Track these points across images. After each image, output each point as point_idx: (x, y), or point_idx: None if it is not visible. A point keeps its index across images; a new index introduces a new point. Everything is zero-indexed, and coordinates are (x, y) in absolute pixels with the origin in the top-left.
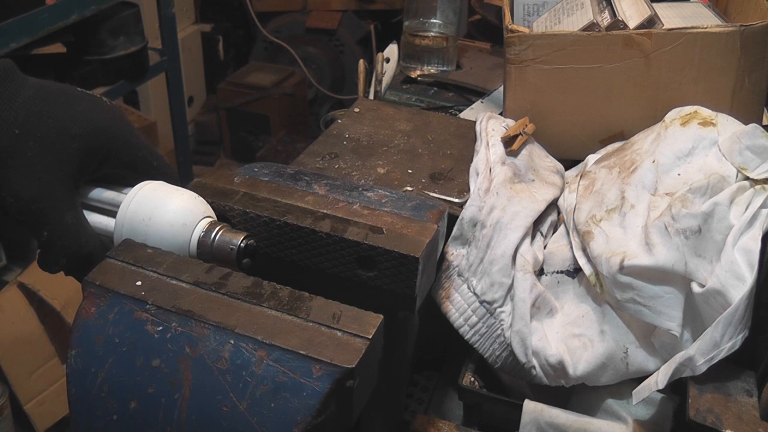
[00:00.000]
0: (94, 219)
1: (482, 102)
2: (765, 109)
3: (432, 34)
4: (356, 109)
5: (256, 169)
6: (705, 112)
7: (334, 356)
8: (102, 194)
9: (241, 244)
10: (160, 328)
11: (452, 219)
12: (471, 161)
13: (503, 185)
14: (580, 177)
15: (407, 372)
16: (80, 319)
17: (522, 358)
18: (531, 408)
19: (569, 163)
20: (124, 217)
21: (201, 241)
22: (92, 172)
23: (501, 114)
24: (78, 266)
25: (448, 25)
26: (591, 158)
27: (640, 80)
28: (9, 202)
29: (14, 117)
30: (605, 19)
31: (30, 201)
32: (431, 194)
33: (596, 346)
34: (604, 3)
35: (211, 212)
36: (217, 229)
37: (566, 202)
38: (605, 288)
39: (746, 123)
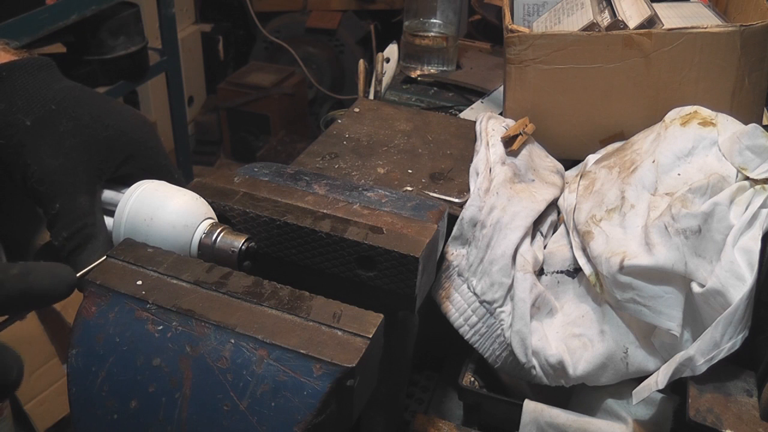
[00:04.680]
0: None
1: (482, 102)
2: (765, 109)
3: (432, 34)
4: (356, 109)
5: (256, 169)
6: (705, 112)
7: (334, 355)
8: (102, 194)
9: (242, 247)
10: (161, 327)
11: (452, 219)
12: (471, 161)
13: (503, 185)
14: (580, 177)
15: (407, 372)
16: (81, 318)
17: (522, 358)
18: (531, 408)
19: (569, 163)
20: (122, 216)
21: (202, 243)
22: (116, 166)
23: (501, 114)
24: (75, 245)
25: (448, 25)
26: (591, 158)
27: (640, 80)
28: (32, 170)
29: (52, 96)
30: (605, 19)
31: (52, 171)
32: (431, 194)
33: (596, 346)
34: (604, 3)
35: (212, 213)
36: (218, 231)
37: (566, 202)
38: (605, 288)
39: (746, 123)
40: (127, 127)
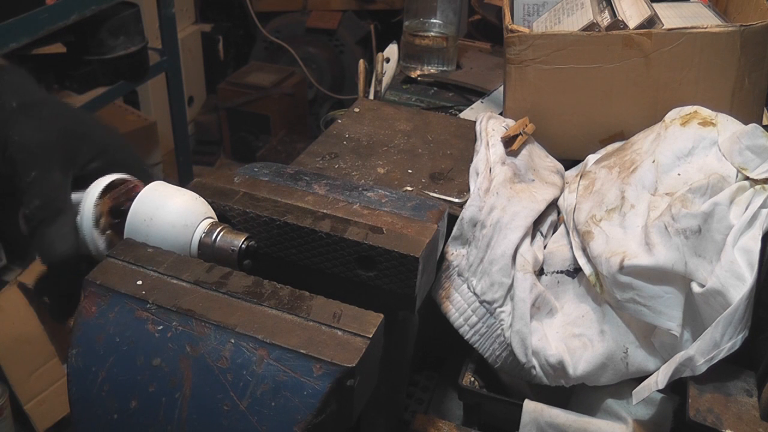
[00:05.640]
0: None
1: (482, 102)
2: (765, 109)
3: (432, 34)
4: (356, 109)
5: (256, 169)
6: (705, 112)
7: (334, 355)
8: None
9: (242, 246)
10: (161, 327)
11: (452, 219)
12: (471, 161)
13: (503, 185)
14: (580, 177)
15: (407, 372)
16: (81, 318)
17: (522, 358)
18: (531, 408)
19: (569, 163)
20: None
21: (202, 242)
22: (88, 160)
23: (501, 114)
24: (44, 216)
25: (448, 25)
26: (591, 158)
27: (640, 80)
28: (14, 139)
29: (35, 89)
30: (605, 19)
31: (33, 143)
32: (431, 194)
33: (596, 346)
34: (604, 3)
35: (212, 213)
36: (218, 230)
37: (566, 202)
38: (605, 288)
39: (746, 123)
40: (101, 124)
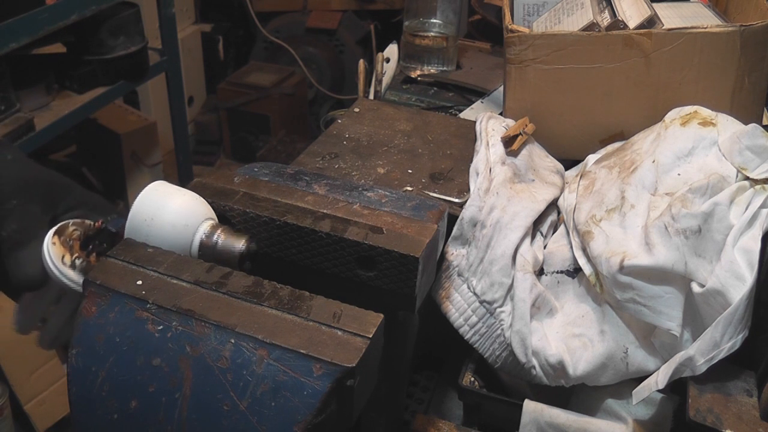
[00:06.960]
0: None
1: (482, 102)
2: (765, 109)
3: (432, 34)
4: (356, 109)
5: (256, 169)
6: (705, 112)
7: (334, 355)
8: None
9: (243, 249)
10: (161, 327)
11: (452, 219)
12: (471, 161)
13: (503, 185)
14: (580, 177)
15: (407, 372)
16: (81, 318)
17: (522, 358)
18: (531, 408)
19: (569, 163)
20: None
21: (203, 243)
22: (69, 208)
23: (501, 114)
24: (19, 239)
25: (448, 25)
26: (591, 158)
27: (640, 80)
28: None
29: (25, 156)
30: (605, 19)
31: (17, 180)
32: (431, 194)
33: (596, 346)
34: (604, 3)
35: (212, 214)
36: (219, 231)
37: (566, 202)
38: (605, 288)
39: (746, 123)
40: (78, 185)
